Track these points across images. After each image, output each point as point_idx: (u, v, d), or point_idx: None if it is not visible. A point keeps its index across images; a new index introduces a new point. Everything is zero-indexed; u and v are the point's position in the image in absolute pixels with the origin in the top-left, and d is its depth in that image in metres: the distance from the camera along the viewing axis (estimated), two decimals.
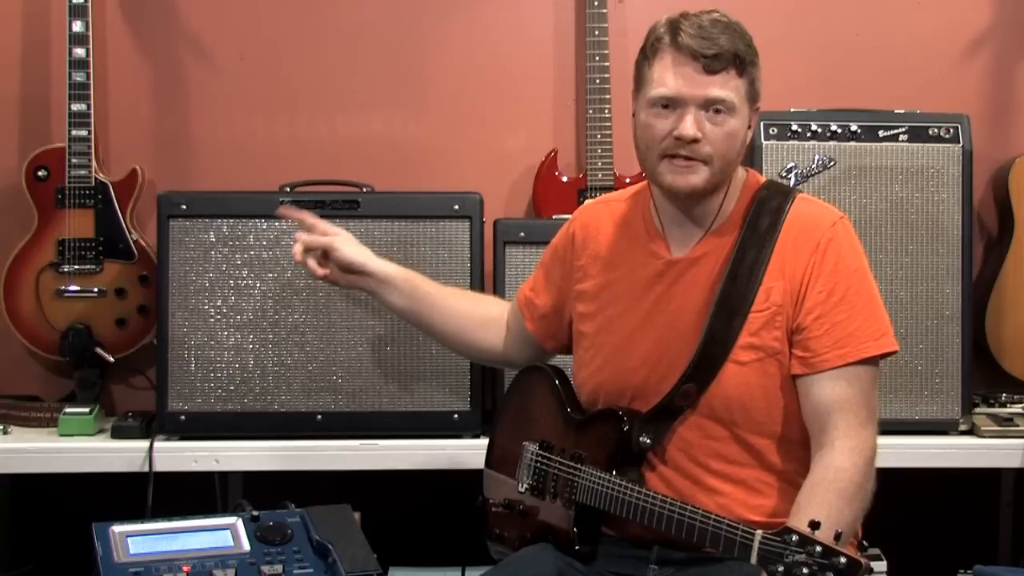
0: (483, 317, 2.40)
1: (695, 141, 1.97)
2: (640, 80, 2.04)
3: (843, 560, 1.61)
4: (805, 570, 1.62)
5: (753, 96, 2.02)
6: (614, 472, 2.01)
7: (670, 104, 1.98)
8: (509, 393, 2.34)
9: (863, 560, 1.61)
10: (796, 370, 1.98)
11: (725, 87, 1.96)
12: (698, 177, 1.99)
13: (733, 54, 1.96)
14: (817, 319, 1.97)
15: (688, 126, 1.96)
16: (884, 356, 2.00)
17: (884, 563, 2.72)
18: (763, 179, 2.11)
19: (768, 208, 2.03)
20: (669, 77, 1.98)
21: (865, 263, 2.03)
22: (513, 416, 2.29)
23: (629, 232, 2.14)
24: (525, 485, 2.17)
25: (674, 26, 1.98)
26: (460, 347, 2.43)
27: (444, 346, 2.48)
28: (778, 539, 1.68)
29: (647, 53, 2.02)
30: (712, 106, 1.97)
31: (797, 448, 2.01)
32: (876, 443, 1.96)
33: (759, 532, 1.73)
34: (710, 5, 2.04)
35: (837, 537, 1.65)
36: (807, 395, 1.97)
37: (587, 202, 2.39)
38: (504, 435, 2.29)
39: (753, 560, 1.72)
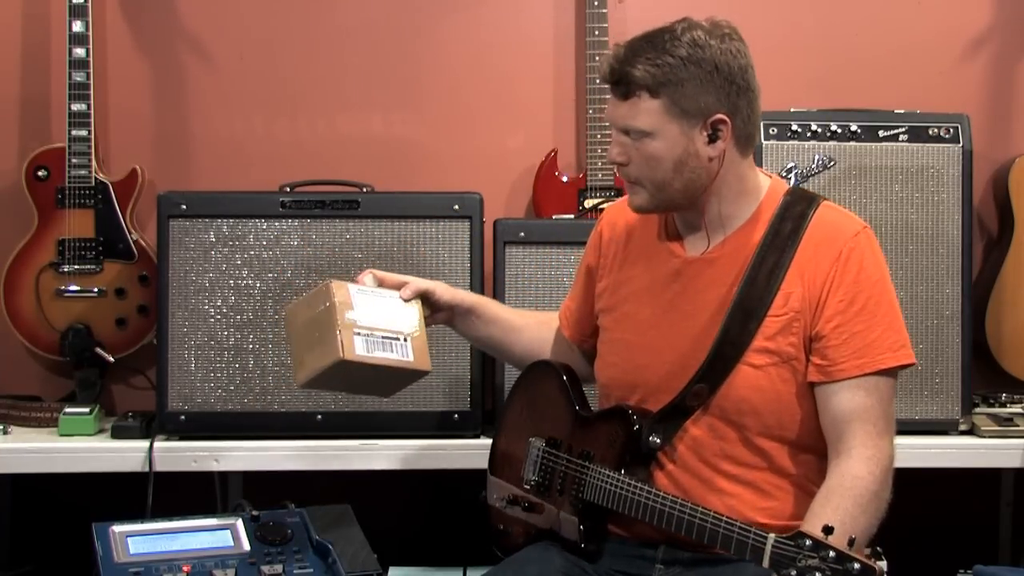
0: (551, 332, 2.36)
1: (622, 164, 2.02)
2: None
3: (856, 566, 1.61)
4: (818, 574, 1.62)
5: (690, 111, 1.94)
6: (623, 471, 2.00)
7: None
8: (514, 391, 2.33)
9: (877, 566, 1.60)
10: (813, 378, 1.97)
11: (634, 112, 1.96)
12: (638, 198, 2.04)
13: (631, 79, 1.94)
14: (836, 328, 1.96)
15: (610, 151, 2.04)
16: (902, 368, 1.99)
17: (884, 563, 2.71)
18: (788, 186, 2.10)
19: (792, 213, 2.02)
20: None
21: (886, 274, 2.02)
22: (519, 413, 2.28)
23: (649, 230, 2.14)
24: (531, 481, 2.16)
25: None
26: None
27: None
28: (791, 543, 1.68)
29: None
30: (628, 131, 1.99)
31: (809, 454, 2.01)
32: (893, 453, 1.96)
33: (772, 535, 1.72)
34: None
35: (851, 543, 1.64)
36: (825, 404, 1.97)
37: (615, 201, 2.39)
38: (508, 434, 2.28)
39: (765, 563, 1.71)
